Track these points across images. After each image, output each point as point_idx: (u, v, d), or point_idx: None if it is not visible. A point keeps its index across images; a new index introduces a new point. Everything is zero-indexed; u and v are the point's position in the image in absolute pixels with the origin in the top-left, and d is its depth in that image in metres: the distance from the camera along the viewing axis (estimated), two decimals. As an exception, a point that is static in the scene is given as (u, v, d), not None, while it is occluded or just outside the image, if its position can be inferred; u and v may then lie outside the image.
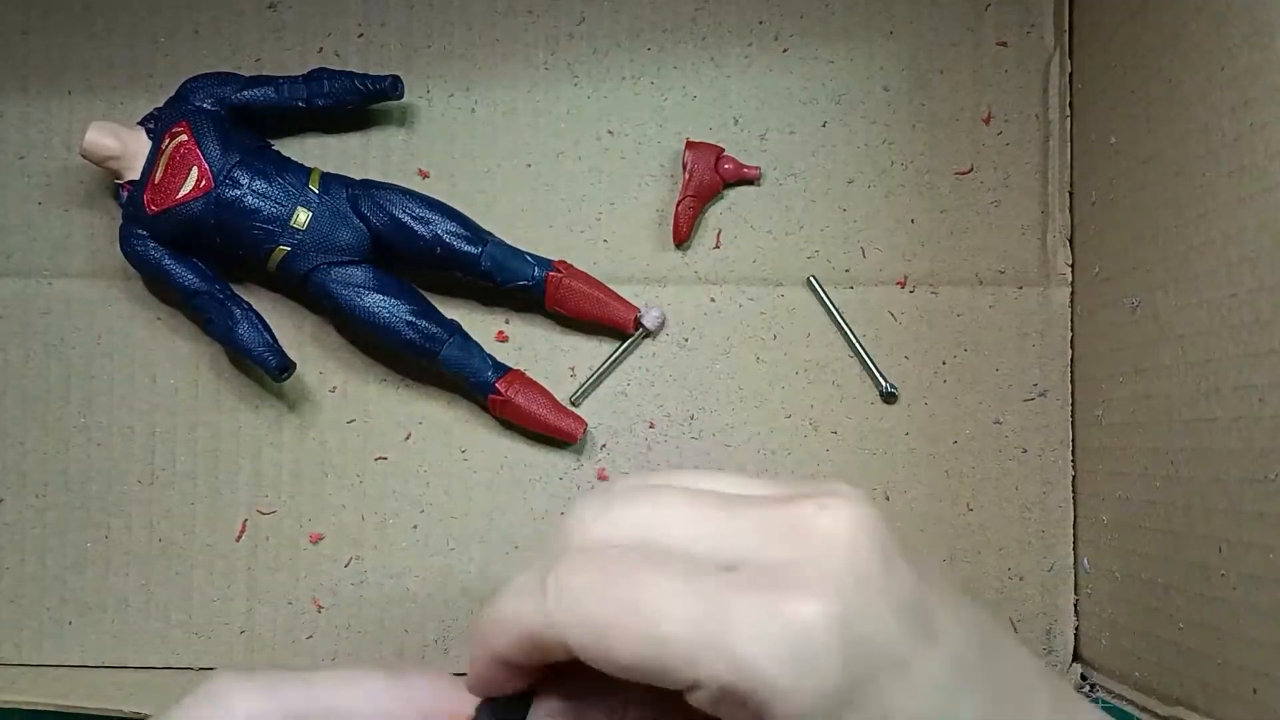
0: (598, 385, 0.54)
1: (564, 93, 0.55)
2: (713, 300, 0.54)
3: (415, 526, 0.54)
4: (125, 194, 0.51)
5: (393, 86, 0.52)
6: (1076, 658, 0.52)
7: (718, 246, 0.55)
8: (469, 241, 0.51)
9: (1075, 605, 0.53)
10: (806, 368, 0.54)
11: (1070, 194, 0.54)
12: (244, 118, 0.52)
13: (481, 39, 0.55)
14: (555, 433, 0.52)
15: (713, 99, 0.55)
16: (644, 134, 0.55)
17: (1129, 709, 0.47)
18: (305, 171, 0.52)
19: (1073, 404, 0.53)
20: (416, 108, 0.55)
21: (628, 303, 0.53)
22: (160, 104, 0.53)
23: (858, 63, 0.55)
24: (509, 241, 0.53)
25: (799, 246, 0.54)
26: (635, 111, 0.55)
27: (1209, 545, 0.40)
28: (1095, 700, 0.51)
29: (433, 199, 0.52)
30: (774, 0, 0.55)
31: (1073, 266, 0.53)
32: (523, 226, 0.55)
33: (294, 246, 0.51)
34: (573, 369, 0.54)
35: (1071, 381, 0.53)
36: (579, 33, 0.55)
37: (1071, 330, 0.53)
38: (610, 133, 0.55)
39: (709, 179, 0.53)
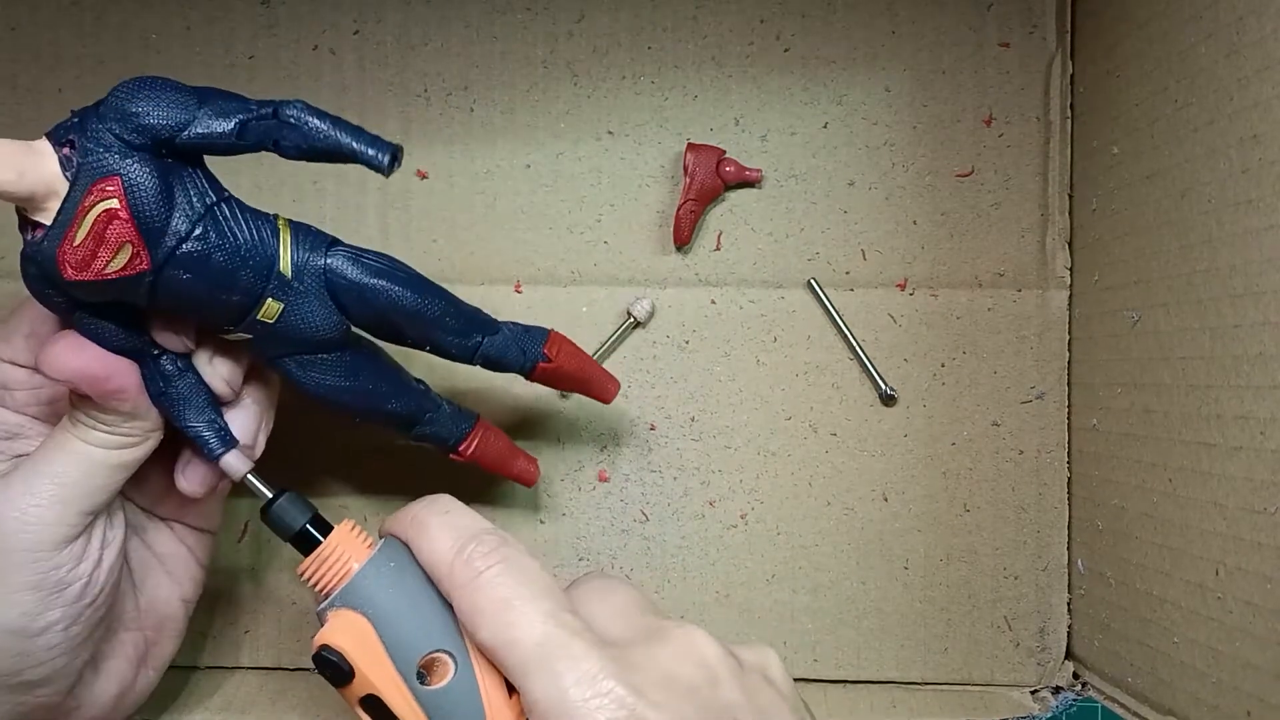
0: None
1: (563, 92, 0.55)
2: (713, 302, 0.55)
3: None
4: (32, 236, 0.36)
5: (392, 160, 0.38)
6: (1069, 655, 0.54)
7: (718, 248, 0.55)
8: (462, 342, 0.45)
9: (1068, 604, 0.54)
10: (806, 370, 0.54)
11: (1070, 197, 0.54)
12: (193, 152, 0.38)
13: (479, 36, 0.55)
14: (513, 478, 0.50)
15: (714, 99, 0.54)
16: (644, 134, 0.55)
17: (1120, 711, 0.48)
18: (272, 230, 0.40)
19: (1069, 407, 0.54)
20: (414, 107, 0.55)
21: (611, 377, 0.49)
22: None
23: (859, 63, 0.54)
24: (501, 318, 0.47)
25: (799, 248, 0.54)
26: (635, 111, 0.55)
27: (1206, 566, 0.41)
28: (1086, 699, 0.52)
29: (428, 286, 0.43)
30: (776, -1, 0.54)
31: (1071, 270, 0.54)
32: (523, 228, 0.55)
33: (257, 335, 0.41)
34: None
35: (1068, 385, 0.54)
36: (578, 31, 0.54)
37: (1069, 334, 0.54)
38: (610, 133, 0.55)
39: (710, 182, 0.53)
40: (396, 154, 0.38)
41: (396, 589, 0.39)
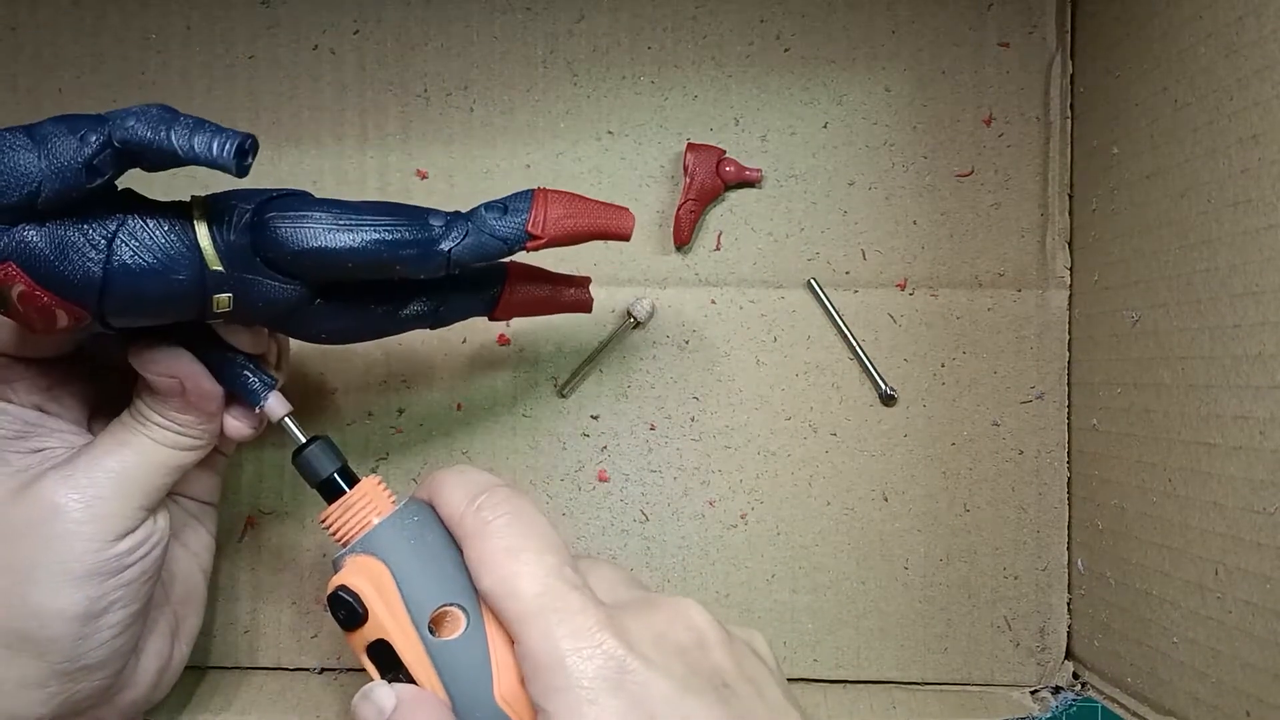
0: (585, 375, 0.54)
1: (563, 92, 0.55)
2: (713, 302, 0.55)
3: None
4: None
5: (236, 156, 0.34)
6: (1069, 655, 0.54)
7: (718, 248, 0.55)
8: (427, 264, 0.39)
9: (1068, 604, 0.54)
10: (806, 370, 0.54)
11: (1070, 197, 0.54)
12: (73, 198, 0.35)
13: (479, 37, 0.55)
14: (566, 309, 0.47)
15: (714, 99, 0.54)
16: (644, 134, 0.55)
17: (1120, 711, 0.48)
18: (186, 228, 0.37)
19: (1069, 407, 0.54)
20: (414, 107, 0.55)
21: (619, 208, 0.42)
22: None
23: (859, 63, 0.54)
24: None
25: (799, 248, 0.54)
26: (635, 111, 0.55)
27: (1205, 566, 0.41)
28: (1086, 699, 0.52)
29: (363, 224, 0.38)
30: (775, -1, 0.54)
31: (1071, 270, 0.54)
32: (522, 227, 0.55)
33: (225, 317, 0.39)
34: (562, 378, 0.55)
35: (1068, 385, 0.54)
36: (578, 31, 0.54)
37: (1069, 334, 0.54)
38: (610, 133, 0.55)
39: (710, 182, 0.53)
40: (245, 147, 0.34)
41: (417, 541, 0.39)
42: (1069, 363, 0.54)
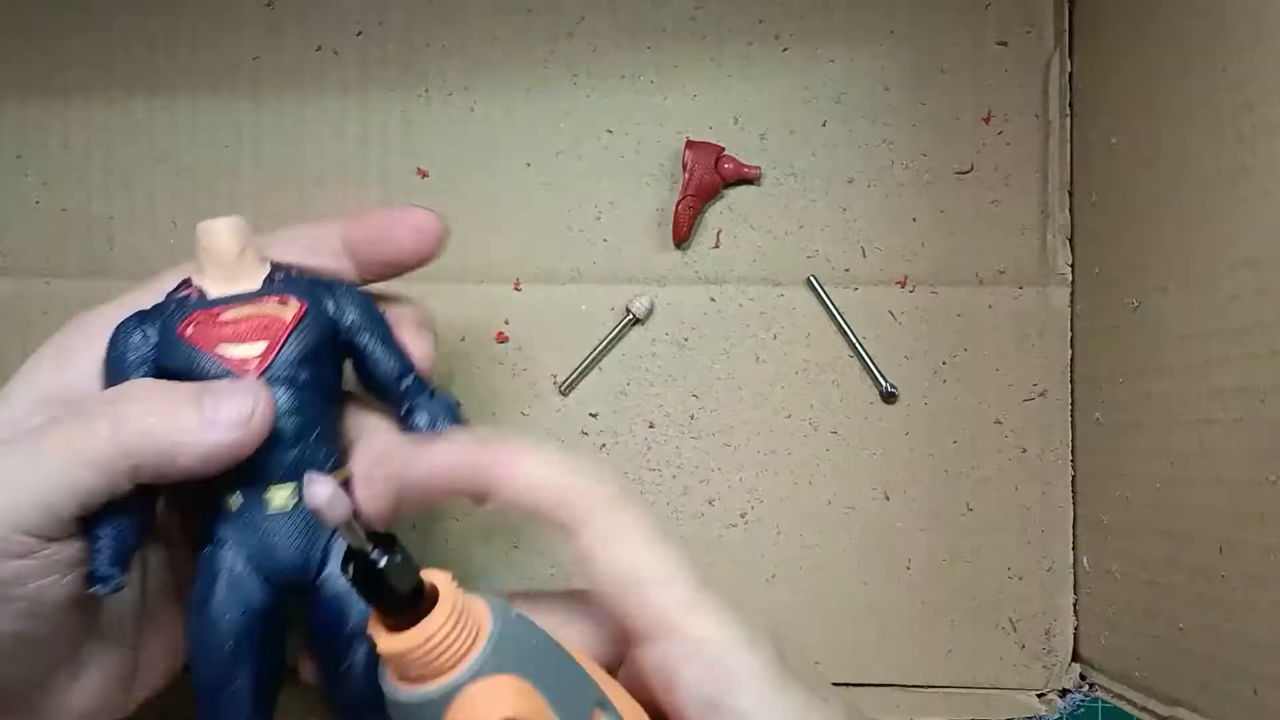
0: (585, 375, 0.54)
1: (563, 92, 0.55)
2: (713, 300, 0.54)
3: (414, 527, 0.54)
4: (181, 291, 0.39)
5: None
6: (1076, 658, 0.52)
7: (717, 246, 0.55)
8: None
9: (1074, 605, 0.53)
10: (806, 367, 0.54)
11: (1070, 194, 0.54)
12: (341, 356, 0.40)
13: (480, 37, 0.55)
14: None
15: (713, 98, 0.55)
16: (644, 133, 0.55)
17: (1128, 709, 0.47)
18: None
19: (1072, 404, 0.53)
20: (414, 107, 0.55)
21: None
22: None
23: (858, 62, 0.54)
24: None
25: (799, 246, 0.54)
26: (635, 111, 0.55)
27: (1209, 546, 0.40)
28: (1094, 700, 0.51)
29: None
30: (774, -1, 0.55)
31: (1073, 266, 0.53)
32: (522, 226, 0.55)
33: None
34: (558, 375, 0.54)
35: (1071, 381, 0.53)
36: (578, 31, 0.55)
37: (1071, 330, 0.53)
38: (610, 132, 0.55)
39: (709, 179, 0.53)
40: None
41: (538, 640, 0.31)
42: (1071, 359, 0.53)
